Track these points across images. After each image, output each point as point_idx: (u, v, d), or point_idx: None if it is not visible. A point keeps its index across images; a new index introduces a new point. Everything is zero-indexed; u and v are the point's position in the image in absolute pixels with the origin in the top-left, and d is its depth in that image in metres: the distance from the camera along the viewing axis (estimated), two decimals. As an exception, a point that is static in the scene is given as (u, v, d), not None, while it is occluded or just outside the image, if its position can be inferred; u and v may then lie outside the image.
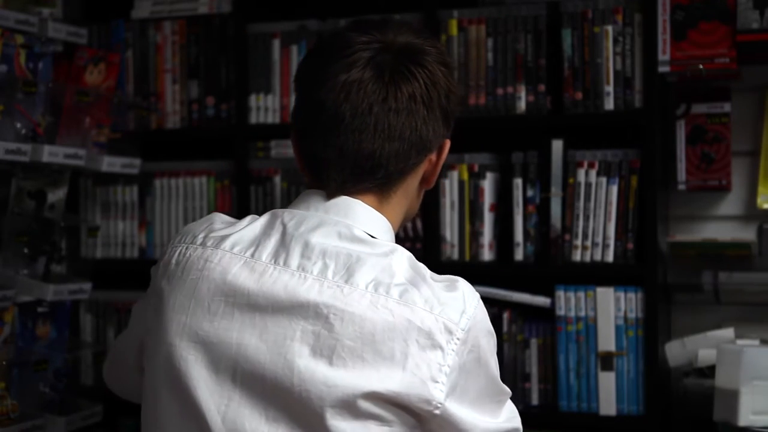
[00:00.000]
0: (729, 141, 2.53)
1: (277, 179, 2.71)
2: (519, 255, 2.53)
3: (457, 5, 2.59)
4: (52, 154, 2.29)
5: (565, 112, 2.51)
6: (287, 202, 2.52)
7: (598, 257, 2.48)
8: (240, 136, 2.73)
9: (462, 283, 1.33)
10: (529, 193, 2.54)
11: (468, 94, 2.56)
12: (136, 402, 1.52)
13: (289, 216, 1.37)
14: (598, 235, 2.48)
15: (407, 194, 1.43)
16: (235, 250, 1.34)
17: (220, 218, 1.43)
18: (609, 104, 2.48)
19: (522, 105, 2.53)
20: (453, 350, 1.27)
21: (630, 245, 2.46)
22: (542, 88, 2.52)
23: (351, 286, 1.27)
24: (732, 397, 2.17)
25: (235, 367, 1.29)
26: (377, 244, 1.33)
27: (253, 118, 2.73)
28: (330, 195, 1.39)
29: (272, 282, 1.30)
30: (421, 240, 2.58)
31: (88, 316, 2.86)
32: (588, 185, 2.49)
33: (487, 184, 2.57)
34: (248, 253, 1.33)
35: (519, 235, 2.53)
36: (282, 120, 2.70)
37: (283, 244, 1.33)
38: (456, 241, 2.57)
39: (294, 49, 2.70)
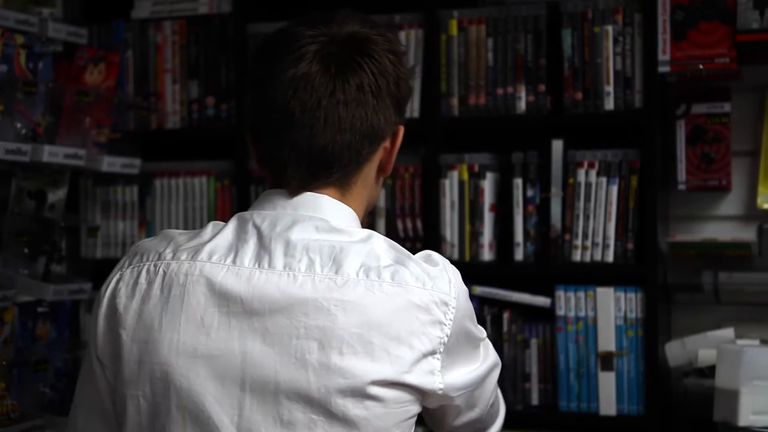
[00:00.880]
0: (729, 141, 2.52)
1: (277, 179, 2.71)
2: (519, 255, 2.53)
3: (457, 5, 2.59)
4: (52, 154, 2.29)
5: (565, 112, 2.51)
6: (287, 202, 2.52)
7: (598, 257, 2.48)
8: (240, 136, 2.73)
9: (435, 255, 1.38)
10: (529, 193, 2.54)
11: (468, 94, 2.56)
12: None
13: (260, 218, 1.35)
14: (598, 235, 2.48)
15: (366, 184, 1.42)
16: (214, 259, 1.31)
17: (177, 232, 1.39)
18: (609, 104, 2.47)
19: (522, 105, 2.53)
20: (450, 320, 1.31)
21: (630, 245, 2.46)
22: (542, 88, 2.52)
23: (342, 276, 1.28)
24: (732, 397, 2.17)
25: (243, 376, 1.28)
26: (353, 233, 1.34)
27: (253, 118, 2.72)
28: (293, 193, 1.37)
29: (263, 285, 1.29)
30: (421, 240, 2.58)
31: (88, 316, 2.86)
32: (588, 185, 2.49)
33: (487, 184, 2.57)
34: (228, 261, 1.31)
35: (519, 235, 2.53)
36: (282, 120, 2.69)
37: (263, 247, 1.32)
38: (456, 241, 2.57)
39: (294, 49, 2.70)
